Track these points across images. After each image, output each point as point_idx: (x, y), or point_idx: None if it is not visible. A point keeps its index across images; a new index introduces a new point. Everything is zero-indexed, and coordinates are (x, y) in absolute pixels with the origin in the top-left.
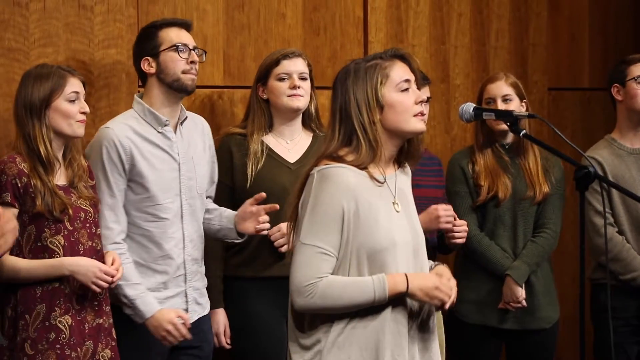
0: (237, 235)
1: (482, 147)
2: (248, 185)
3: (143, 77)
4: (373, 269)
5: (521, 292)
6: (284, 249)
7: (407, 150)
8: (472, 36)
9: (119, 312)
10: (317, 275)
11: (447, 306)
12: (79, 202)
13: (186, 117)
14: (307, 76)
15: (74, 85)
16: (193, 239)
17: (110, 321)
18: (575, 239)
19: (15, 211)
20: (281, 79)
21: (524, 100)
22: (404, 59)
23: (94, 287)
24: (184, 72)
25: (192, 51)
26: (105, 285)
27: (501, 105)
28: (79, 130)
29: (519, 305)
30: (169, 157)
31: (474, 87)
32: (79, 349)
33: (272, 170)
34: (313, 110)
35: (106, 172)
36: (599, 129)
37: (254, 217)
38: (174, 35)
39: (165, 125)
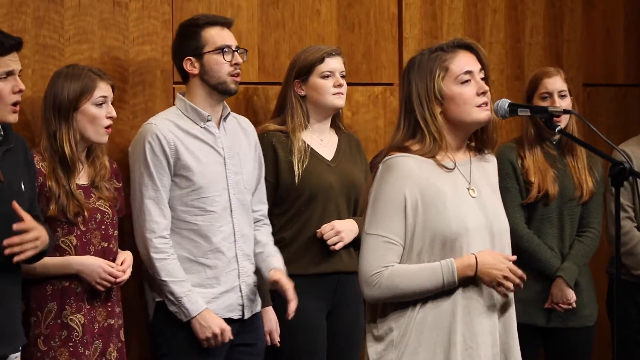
0: (269, 284)
1: (532, 142)
2: (296, 182)
3: (184, 75)
4: (445, 255)
5: (572, 294)
6: (337, 246)
7: (480, 137)
8: (506, 32)
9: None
10: (382, 264)
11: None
12: (97, 203)
13: (229, 113)
14: (345, 74)
15: (102, 89)
16: (244, 234)
17: (120, 322)
18: None
19: None
20: (325, 77)
21: (572, 98)
22: (469, 48)
23: (98, 286)
24: (229, 74)
25: (236, 52)
26: (108, 285)
27: (558, 100)
28: (103, 138)
29: (569, 306)
30: (214, 151)
31: (509, 83)
32: (90, 347)
33: (316, 167)
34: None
35: (149, 167)
36: (634, 124)
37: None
38: (217, 36)
39: (208, 120)
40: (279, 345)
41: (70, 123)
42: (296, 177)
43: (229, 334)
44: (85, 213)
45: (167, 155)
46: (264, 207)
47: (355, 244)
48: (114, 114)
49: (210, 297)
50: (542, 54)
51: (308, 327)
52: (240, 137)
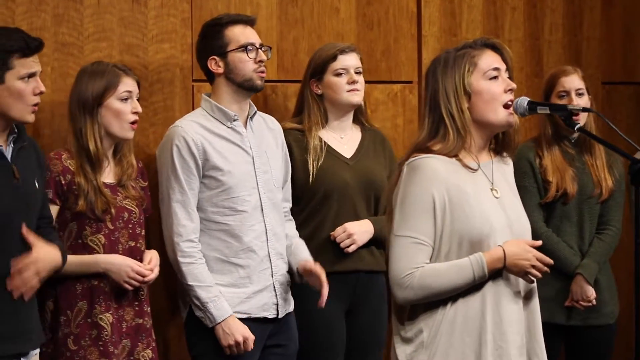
0: (296, 278)
1: (550, 141)
2: (311, 180)
3: (209, 75)
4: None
5: (592, 291)
6: (350, 249)
7: (502, 140)
8: (525, 30)
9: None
10: (412, 265)
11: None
12: (124, 202)
13: (255, 112)
14: (361, 70)
15: (127, 84)
16: (276, 232)
17: (151, 322)
18: (630, 234)
19: (56, 208)
20: (339, 74)
21: (590, 97)
22: (495, 48)
23: (126, 285)
24: (254, 71)
25: (260, 49)
26: (136, 284)
27: (575, 99)
28: (129, 133)
29: (589, 304)
30: (242, 151)
31: (528, 81)
32: (118, 346)
33: (332, 165)
34: (363, 105)
35: (176, 170)
36: None
37: (317, 277)
38: (241, 34)
39: (235, 120)
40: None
41: (95, 119)
42: (310, 176)
43: (251, 343)
44: (113, 210)
45: (195, 157)
46: (288, 205)
47: (377, 243)
48: (140, 109)
49: (244, 297)
50: (561, 52)
51: (326, 327)
52: (267, 136)
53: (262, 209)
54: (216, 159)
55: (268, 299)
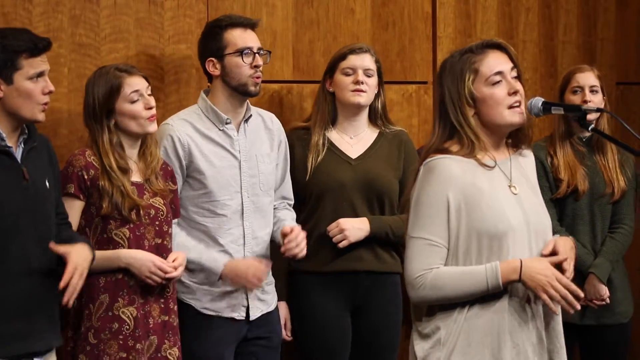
0: (278, 241)
1: (562, 139)
2: (307, 178)
3: (208, 74)
4: (492, 254)
5: (605, 290)
6: (342, 244)
7: (516, 134)
8: (540, 31)
9: (187, 308)
10: (425, 266)
11: (555, 309)
12: (151, 200)
13: (251, 115)
14: (374, 73)
15: (132, 84)
16: (257, 236)
17: (178, 320)
18: None
19: (80, 203)
20: (346, 74)
21: (604, 97)
22: (499, 47)
23: (148, 280)
24: (249, 77)
25: (257, 54)
26: (158, 280)
27: (588, 96)
28: (150, 127)
29: (603, 303)
30: (229, 155)
31: (542, 81)
32: (143, 342)
33: (332, 164)
34: (379, 106)
35: None
36: None
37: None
38: (239, 37)
39: (227, 123)
40: (289, 339)
41: (106, 129)
42: (307, 174)
43: (261, 265)
44: (141, 210)
45: (179, 158)
46: (287, 201)
47: (385, 244)
48: (153, 103)
49: (215, 295)
50: (576, 53)
51: (325, 325)
52: (261, 138)
53: (242, 213)
54: (201, 162)
55: (238, 301)
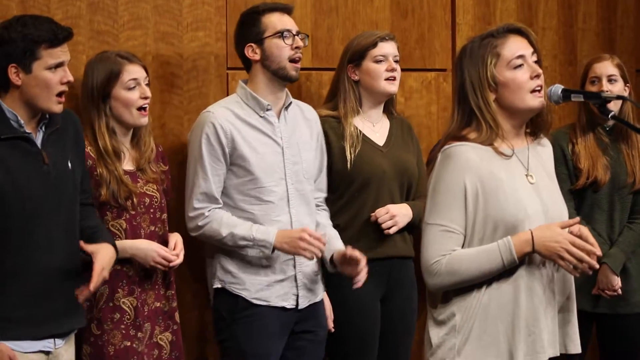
0: (329, 267)
1: (584, 128)
2: (349, 167)
3: (246, 63)
4: None
5: (617, 281)
6: (392, 230)
7: (535, 121)
8: (559, 18)
9: (236, 299)
10: (441, 252)
11: (576, 273)
12: (145, 187)
13: (290, 102)
14: (398, 59)
15: (131, 72)
16: (303, 223)
17: (173, 305)
18: None
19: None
20: (378, 61)
21: (627, 84)
22: (519, 32)
23: (154, 267)
24: (290, 59)
25: (296, 36)
26: (162, 269)
27: (606, 85)
28: (141, 120)
29: (614, 293)
30: (272, 141)
31: (562, 69)
32: (143, 330)
33: (368, 153)
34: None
35: (203, 156)
36: None
37: (354, 265)
38: (278, 20)
39: (268, 109)
40: (333, 330)
41: (102, 112)
42: (349, 163)
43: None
44: (135, 199)
45: (222, 145)
46: (322, 195)
47: (410, 229)
48: (149, 94)
49: (265, 284)
50: (595, 40)
51: (363, 312)
52: (301, 126)
53: (288, 200)
54: (244, 148)
55: (288, 289)
